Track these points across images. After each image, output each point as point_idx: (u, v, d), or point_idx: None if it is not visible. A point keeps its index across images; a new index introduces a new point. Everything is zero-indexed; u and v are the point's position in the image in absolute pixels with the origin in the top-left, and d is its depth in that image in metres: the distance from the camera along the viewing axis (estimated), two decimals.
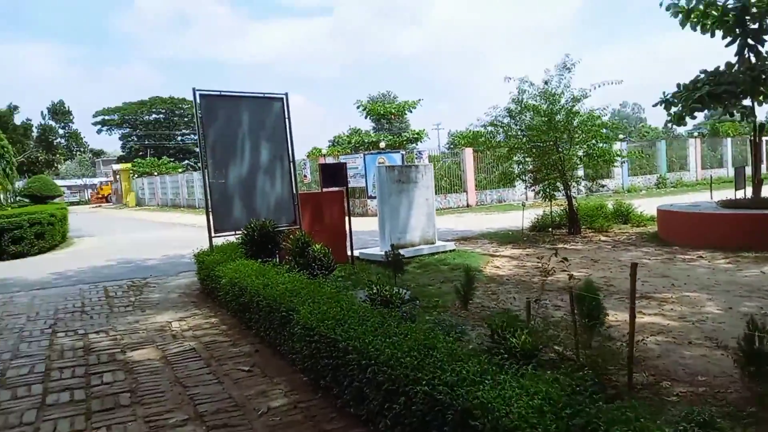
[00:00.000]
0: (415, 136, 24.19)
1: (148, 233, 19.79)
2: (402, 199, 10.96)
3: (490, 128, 13.92)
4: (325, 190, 10.53)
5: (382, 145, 23.55)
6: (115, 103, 75.38)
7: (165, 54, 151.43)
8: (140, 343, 5.85)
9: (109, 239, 17.97)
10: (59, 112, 48.84)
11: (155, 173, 49.67)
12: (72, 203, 66.95)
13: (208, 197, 8.67)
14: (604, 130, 12.70)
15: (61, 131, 49.00)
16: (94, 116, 75.16)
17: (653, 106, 11.17)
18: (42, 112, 49.17)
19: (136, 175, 52.79)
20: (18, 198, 22.20)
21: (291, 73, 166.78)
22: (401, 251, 8.56)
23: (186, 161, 73.04)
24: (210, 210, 8.65)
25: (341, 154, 26.62)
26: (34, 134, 48.10)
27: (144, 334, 6.21)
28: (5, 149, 26.46)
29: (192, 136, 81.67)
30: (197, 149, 78.09)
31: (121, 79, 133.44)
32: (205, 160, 8.60)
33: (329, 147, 53.40)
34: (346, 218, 10.33)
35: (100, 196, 64.38)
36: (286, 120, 9.40)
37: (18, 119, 49.83)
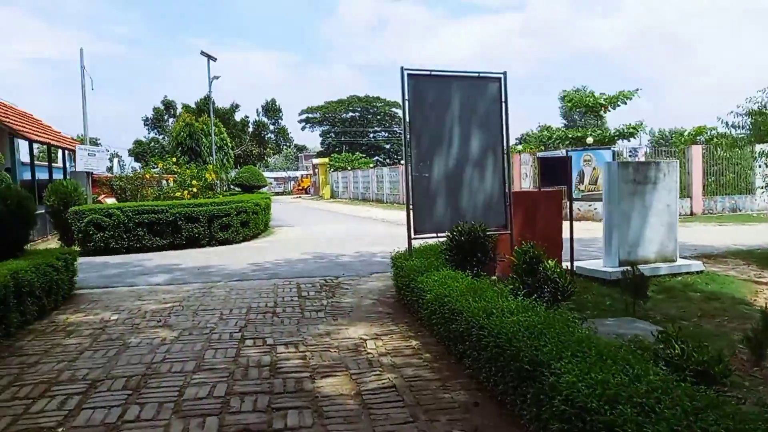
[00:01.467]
0: (631, 130, 20.85)
1: (340, 226, 19.88)
2: (635, 203, 8.74)
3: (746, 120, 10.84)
4: (539, 189, 8.78)
5: (590, 140, 20.76)
6: (318, 103, 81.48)
7: (362, 56, 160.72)
8: (332, 367, 4.81)
9: (306, 230, 18.30)
10: (271, 110, 53.84)
11: (348, 168, 51.99)
12: (277, 193, 73.88)
13: (410, 193, 7.53)
14: None
15: (271, 127, 53.99)
16: (299, 114, 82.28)
17: None
18: (257, 110, 54.73)
19: (332, 169, 55.95)
20: (230, 186, 24.19)
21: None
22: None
23: (376, 157, 76.08)
24: (410, 208, 7.50)
25: (536, 151, 24.31)
26: (250, 129, 53.60)
27: (336, 353, 5.19)
28: (224, 141, 29.39)
29: (382, 133, 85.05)
30: (387, 146, 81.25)
31: (323, 80, 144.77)
32: (408, 151, 7.46)
33: (521, 145, 50.93)
34: (563, 224, 8.51)
35: (300, 187, 69.91)
36: (503, 104, 7.87)
37: (238, 117, 56.14)
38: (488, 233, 7.19)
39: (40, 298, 6.62)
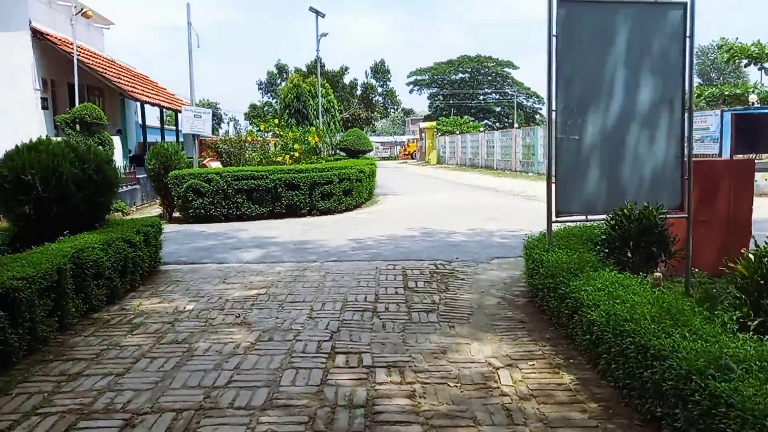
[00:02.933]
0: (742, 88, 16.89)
1: (449, 195, 18.23)
2: None
3: None
4: (720, 159, 6.54)
5: (753, 98, 17.12)
6: (427, 65, 79.10)
7: (474, 16, 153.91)
8: (452, 417, 3.31)
9: (412, 200, 16.87)
10: (380, 71, 52.58)
11: (456, 132, 49.72)
12: (382, 158, 73.28)
13: (552, 161, 5.73)
14: None
15: (379, 89, 52.83)
16: (408, 77, 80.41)
17: None
18: (365, 72, 53.66)
19: (439, 134, 53.94)
20: (336, 151, 23.29)
21: None
22: None
23: (485, 121, 72.67)
24: (552, 181, 5.71)
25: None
26: (358, 92, 52.84)
27: (456, 390, 3.68)
28: (331, 104, 28.57)
29: (493, 95, 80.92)
30: (497, 109, 77.49)
31: (433, 40, 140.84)
32: (553, 105, 5.64)
33: None
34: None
35: (406, 152, 68.62)
36: (686, 40, 5.74)
37: (346, 80, 55.56)
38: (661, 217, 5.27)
39: (112, 280, 5.74)
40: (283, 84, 42.03)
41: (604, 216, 6.01)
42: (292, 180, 12.59)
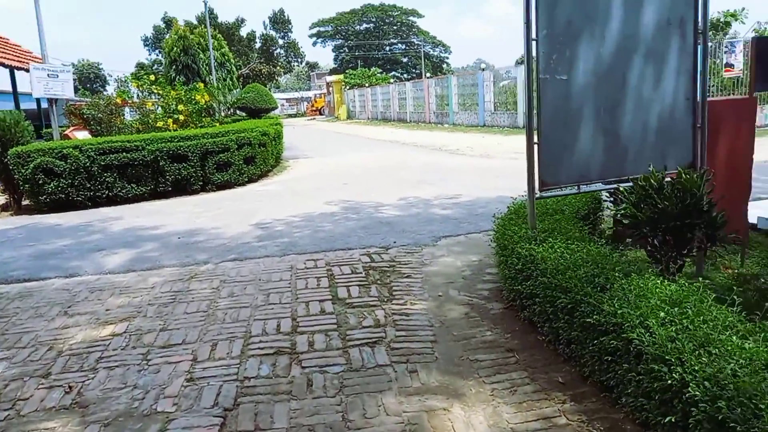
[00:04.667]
0: (730, 17, 16.37)
1: (367, 155, 16.38)
2: None
3: None
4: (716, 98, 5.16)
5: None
6: (329, 15, 75.23)
7: None
8: None
9: (326, 162, 14.86)
10: (279, 22, 48.67)
11: (366, 85, 47.53)
12: (289, 116, 69.68)
13: (532, 112, 4.04)
14: None
15: (280, 41, 49.04)
16: (310, 28, 76.28)
17: None
18: (263, 22, 49.57)
19: (347, 87, 51.47)
20: (234, 111, 20.53)
21: None
22: None
23: (393, 72, 70.68)
24: (534, 140, 4.03)
25: None
26: (257, 45, 48.83)
27: None
28: (226, 57, 25.42)
29: (399, 46, 78.73)
30: (404, 59, 76.01)
31: None
32: (531, 31, 3.90)
33: None
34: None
35: (314, 108, 65.59)
36: None
37: (243, 33, 51.09)
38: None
39: None
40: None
41: (599, 185, 4.48)
42: (177, 150, 10.16)
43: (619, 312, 2.56)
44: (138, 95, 14.19)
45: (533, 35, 3.89)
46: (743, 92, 16.62)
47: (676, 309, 2.50)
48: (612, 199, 4.83)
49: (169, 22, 53.77)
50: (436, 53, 78.14)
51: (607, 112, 4.16)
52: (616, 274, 3.00)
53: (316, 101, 66.84)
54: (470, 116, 28.26)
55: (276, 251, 6.15)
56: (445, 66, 75.83)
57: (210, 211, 8.68)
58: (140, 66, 56.17)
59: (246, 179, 11.24)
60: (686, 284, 2.78)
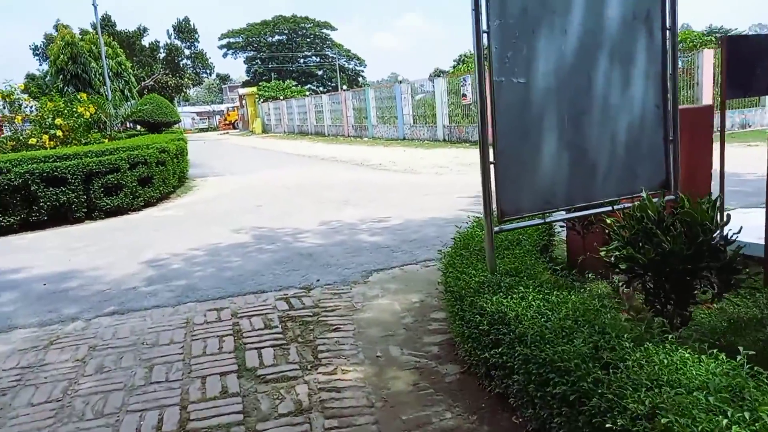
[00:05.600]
0: None
1: (284, 171, 15.22)
2: None
3: None
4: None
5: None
6: (240, 26, 72.90)
7: None
8: None
9: (239, 181, 13.55)
10: (184, 30, 46.05)
11: (281, 97, 46.06)
12: (201, 130, 66.50)
13: (486, 126, 3.21)
14: None
15: (186, 51, 46.45)
16: (220, 39, 73.44)
17: None
18: (167, 31, 46.72)
19: (261, 100, 49.69)
20: (132, 125, 18.52)
21: None
22: None
23: (308, 85, 69.42)
24: (489, 159, 3.20)
25: None
26: (161, 56, 46.01)
27: None
28: (123, 67, 23.27)
29: (314, 58, 77.64)
30: (320, 72, 75.19)
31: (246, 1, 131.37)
32: (482, 21, 3.09)
33: (455, 67, 46.09)
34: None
35: (227, 122, 62.98)
36: None
37: (147, 42, 47.99)
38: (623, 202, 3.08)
39: None
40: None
41: (563, 213, 3.73)
42: (52, 171, 8.56)
43: (661, 419, 1.72)
44: (7, 108, 12.17)
45: (484, 26, 3.08)
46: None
47: (739, 410, 1.71)
48: (569, 225, 4.13)
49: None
50: (351, 66, 77.77)
51: (572, 121, 3.42)
52: (625, 342, 2.19)
53: (228, 115, 64.25)
54: (389, 129, 27.74)
55: (169, 299, 4.95)
56: (360, 79, 75.58)
57: (92, 246, 7.24)
58: (30, 77, 51.32)
59: (142, 203, 9.78)
60: (726, 360, 2.01)
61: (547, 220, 3.44)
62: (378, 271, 5.42)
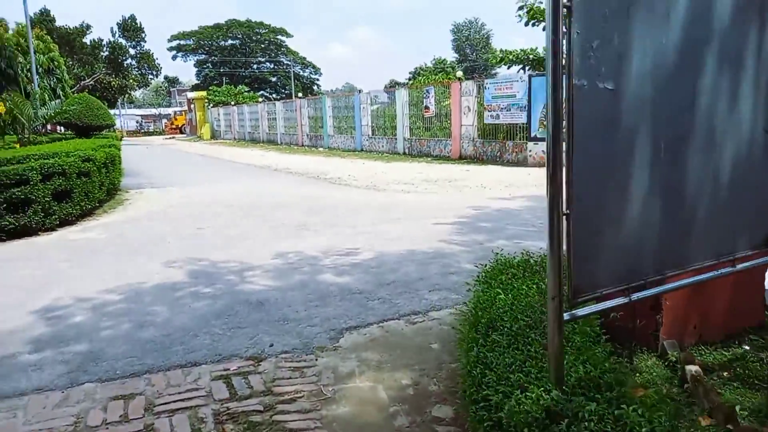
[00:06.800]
0: None
1: (233, 184, 13.70)
2: None
3: None
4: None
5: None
6: (191, 28, 70.22)
7: None
8: None
9: (179, 196, 11.95)
10: (130, 29, 43.35)
11: (232, 103, 44.10)
12: (146, 133, 63.41)
13: (558, 146, 1.99)
14: None
15: (131, 51, 43.77)
16: (170, 41, 70.42)
17: None
18: (112, 29, 43.92)
19: (211, 105, 47.53)
20: (49, 128, 16.41)
21: (356, 4, 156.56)
22: None
23: (261, 92, 67.36)
24: (562, 203, 1.99)
25: (482, 77, 19.22)
26: (104, 54, 43.20)
27: None
28: (56, 63, 21.05)
29: (267, 65, 75.54)
30: (273, 78, 73.66)
31: (195, 4, 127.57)
32: (563, 14, 1.88)
33: (411, 79, 45.35)
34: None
35: (174, 126, 60.34)
36: None
37: (90, 40, 44.96)
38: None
39: None
40: None
41: (655, 288, 2.56)
42: None
43: None
44: None
45: (564, 18, 1.91)
46: None
47: None
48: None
49: None
50: (306, 74, 76.16)
51: (669, 150, 2.28)
52: None
53: (176, 119, 61.62)
54: (347, 140, 26.51)
55: (59, 376, 3.50)
56: (315, 88, 74.09)
57: None
58: None
59: (57, 221, 8.12)
60: None
61: (633, 298, 2.26)
62: (351, 330, 4.14)
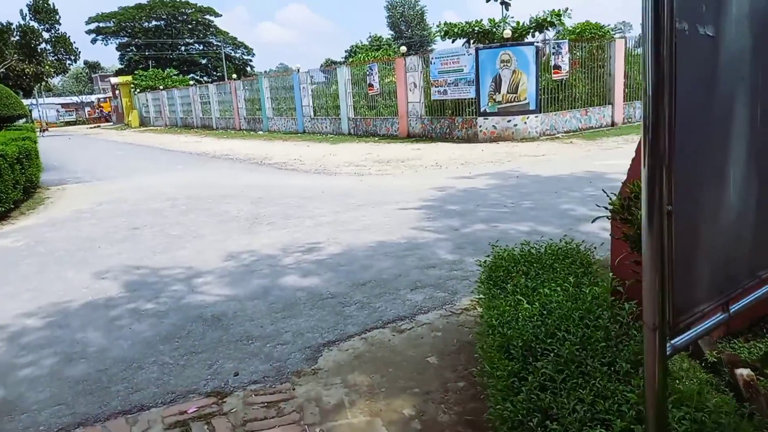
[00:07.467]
0: (555, 17, 16.00)
1: (169, 175, 12.58)
2: None
3: None
4: None
5: (507, 33, 15.57)
6: (111, 9, 65.75)
7: None
8: None
9: (109, 191, 10.77)
10: (42, 11, 39.83)
11: (161, 87, 41.63)
12: (67, 123, 59.27)
13: (665, 110, 1.40)
14: None
15: (45, 35, 40.30)
16: (88, 23, 65.68)
17: None
18: (21, 11, 40.09)
19: (138, 90, 44.74)
20: None
21: None
22: None
23: (192, 75, 64.18)
24: (658, 197, 1.41)
25: (427, 53, 18.65)
26: (14, 39, 39.55)
27: None
28: None
29: (196, 46, 71.98)
30: (203, 60, 70.55)
31: None
32: None
33: (348, 58, 44.19)
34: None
35: (98, 114, 56.72)
36: None
37: None
38: None
39: None
40: None
41: (742, 299, 2.03)
42: None
43: None
44: None
45: None
46: (569, 96, 16.46)
47: None
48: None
49: None
50: (238, 55, 73.12)
51: (765, 115, 1.75)
52: None
53: (101, 105, 57.91)
54: (287, 122, 25.40)
55: None
56: (249, 69, 71.35)
57: None
58: None
59: None
60: None
61: (732, 311, 1.75)
62: (330, 345, 3.51)
